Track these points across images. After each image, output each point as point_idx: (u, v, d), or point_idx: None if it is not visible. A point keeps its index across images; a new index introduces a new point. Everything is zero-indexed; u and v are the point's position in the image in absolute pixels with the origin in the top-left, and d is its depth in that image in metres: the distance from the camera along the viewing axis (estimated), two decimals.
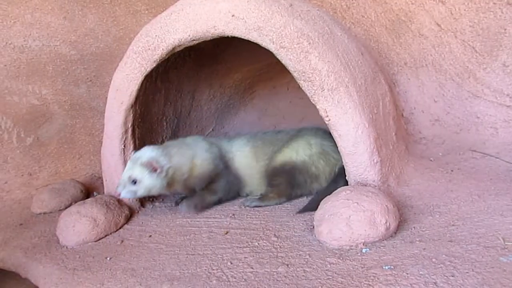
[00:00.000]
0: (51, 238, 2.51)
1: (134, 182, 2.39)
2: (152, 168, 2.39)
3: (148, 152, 2.45)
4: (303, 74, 2.19)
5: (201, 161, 2.58)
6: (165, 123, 3.10)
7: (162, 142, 3.09)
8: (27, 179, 3.51)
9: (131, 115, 2.58)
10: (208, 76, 3.30)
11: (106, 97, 3.43)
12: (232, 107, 3.59)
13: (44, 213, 2.98)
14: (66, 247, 2.38)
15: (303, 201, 2.56)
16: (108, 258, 2.16)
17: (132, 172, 2.40)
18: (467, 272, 1.60)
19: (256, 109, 3.64)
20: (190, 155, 2.56)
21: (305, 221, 2.26)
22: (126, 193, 2.40)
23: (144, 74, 2.46)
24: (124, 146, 2.64)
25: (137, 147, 2.71)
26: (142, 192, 2.42)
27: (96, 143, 3.63)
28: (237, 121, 3.62)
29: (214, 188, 2.61)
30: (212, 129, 3.53)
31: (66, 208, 2.82)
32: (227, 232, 2.26)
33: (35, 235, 2.60)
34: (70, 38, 3.56)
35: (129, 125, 2.61)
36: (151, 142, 2.98)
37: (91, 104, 3.68)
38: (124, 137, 2.62)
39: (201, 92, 3.34)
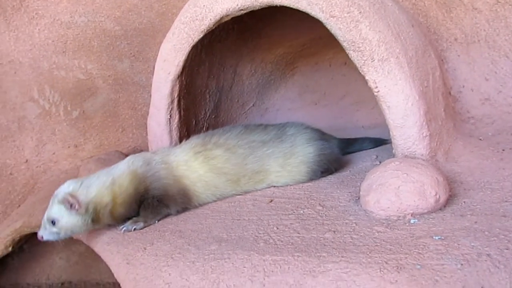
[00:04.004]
0: None
1: (53, 222, 2.10)
2: (68, 204, 2.09)
3: (64, 187, 2.17)
4: (353, 44, 2.15)
5: (119, 187, 2.25)
6: (208, 96, 3.13)
7: (205, 114, 3.14)
8: (73, 151, 3.67)
9: (177, 85, 2.62)
10: (250, 51, 3.30)
11: (149, 72, 3.50)
12: (273, 83, 3.58)
13: None
14: None
15: (347, 174, 2.54)
16: (155, 221, 2.24)
17: (50, 211, 2.12)
18: None
19: (297, 85, 3.61)
20: (110, 182, 2.23)
21: (349, 192, 2.25)
22: (48, 235, 2.12)
23: (192, 45, 2.49)
24: (170, 116, 2.69)
25: (182, 118, 2.76)
26: (63, 233, 2.12)
27: (138, 117, 3.72)
28: (277, 97, 3.62)
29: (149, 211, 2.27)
30: (253, 105, 3.55)
31: None
32: (271, 201, 2.28)
33: None
34: (114, 13, 3.62)
35: (175, 96, 2.65)
36: (195, 114, 3.03)
37: (134, 79, 3.76)
38: (170, 107, 2.67)
39: (243, 66, 3.35)
